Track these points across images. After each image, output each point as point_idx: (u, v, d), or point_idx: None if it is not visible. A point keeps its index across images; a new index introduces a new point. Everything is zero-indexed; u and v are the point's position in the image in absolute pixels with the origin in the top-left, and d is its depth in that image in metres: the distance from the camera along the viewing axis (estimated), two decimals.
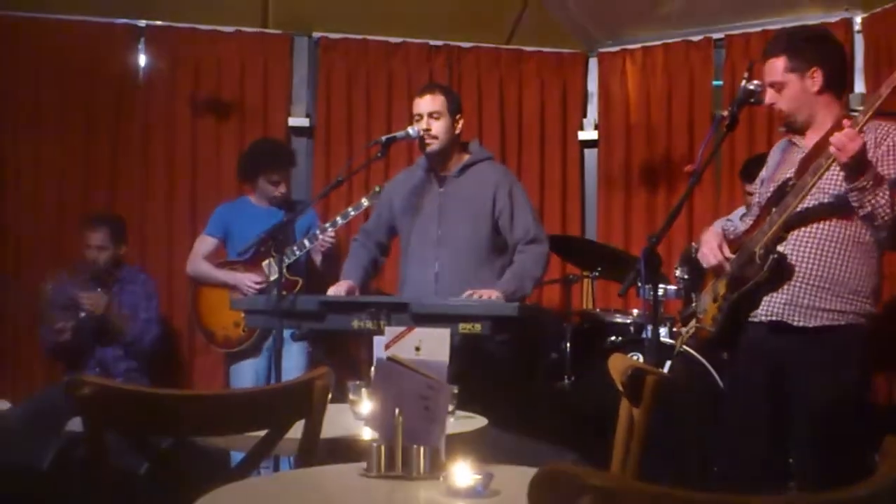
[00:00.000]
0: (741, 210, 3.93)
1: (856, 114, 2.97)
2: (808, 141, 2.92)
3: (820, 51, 2.88)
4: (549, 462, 1.00)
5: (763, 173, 3.13)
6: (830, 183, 2.79)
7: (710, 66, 5.25)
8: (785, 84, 2.87)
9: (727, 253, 2.97)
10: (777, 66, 2.88)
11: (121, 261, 4.62)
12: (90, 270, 4.50)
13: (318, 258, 4.54)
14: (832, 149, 2.62)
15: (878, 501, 1.07)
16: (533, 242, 3.77)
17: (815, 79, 2.85)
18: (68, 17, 5.19)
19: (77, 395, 1.66)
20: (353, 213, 4.21)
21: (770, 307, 2.83)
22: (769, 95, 2.90)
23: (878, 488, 1.08)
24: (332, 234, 4.26)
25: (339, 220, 4.24)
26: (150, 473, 2.93)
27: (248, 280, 4.41)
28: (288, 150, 4.79)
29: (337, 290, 3.75)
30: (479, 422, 2.48)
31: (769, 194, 2.94)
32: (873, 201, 2.65)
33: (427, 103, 3.79)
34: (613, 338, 4.34)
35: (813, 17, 4.90)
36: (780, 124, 2.98)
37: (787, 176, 2.88)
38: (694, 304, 3.20)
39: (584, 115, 5.62)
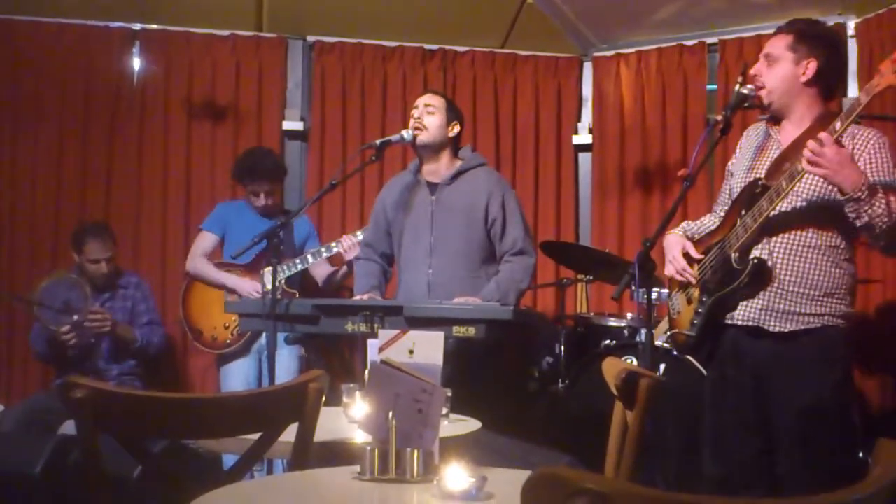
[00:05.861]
0: None
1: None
2: (785, 136, 2.90)
3: (824, 47, 2.88)
4: (543, 465, 1.00)
5: (732, 161, 3.10)
6: (808, 188, 2.78)
7: (704, 70, 5.25)
8: (779, 60, 2.87)
9: (694, 254, 2.97)
10: (781, 41, 2.90)
11: (119, 267, 4.61)
12: (97, 280, 4.46)
13: (321, 273, 4.51)
14: (804, 163, 2.61)
15: None
16: (520, 254, 3.76)
17: (808, 70, 2.85)
18: (63, 20, 5.19)
19: (71, 397, 1.66)
20: (361, 234, 4.17)
21: (746, 313, 2.84)
22: (756, 66, 2.91)
23: (870, 492, 1.08)
24: (356, 240, 4.20)
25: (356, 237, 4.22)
26: (144, 477, 2.92)
27: (250, 287, 4.37)
28: (270, 163, 4.59)
29: None
30: (473, 425, 2.48)
31: (738, 192, 2.92)
32: (870, 211, 2.61)
33: (426, 98, 3.87)
34: (607, 341, 4.33)
35: None
36: (756, 102, 2.91)
37: (758, 175, 2.87)
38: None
39: (579, 119, 5.63)
